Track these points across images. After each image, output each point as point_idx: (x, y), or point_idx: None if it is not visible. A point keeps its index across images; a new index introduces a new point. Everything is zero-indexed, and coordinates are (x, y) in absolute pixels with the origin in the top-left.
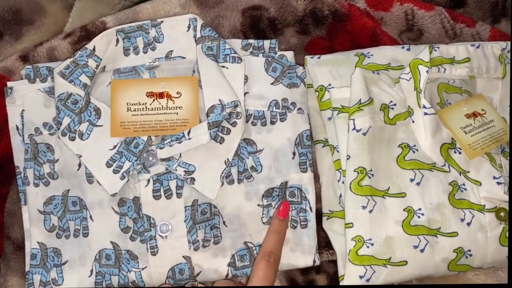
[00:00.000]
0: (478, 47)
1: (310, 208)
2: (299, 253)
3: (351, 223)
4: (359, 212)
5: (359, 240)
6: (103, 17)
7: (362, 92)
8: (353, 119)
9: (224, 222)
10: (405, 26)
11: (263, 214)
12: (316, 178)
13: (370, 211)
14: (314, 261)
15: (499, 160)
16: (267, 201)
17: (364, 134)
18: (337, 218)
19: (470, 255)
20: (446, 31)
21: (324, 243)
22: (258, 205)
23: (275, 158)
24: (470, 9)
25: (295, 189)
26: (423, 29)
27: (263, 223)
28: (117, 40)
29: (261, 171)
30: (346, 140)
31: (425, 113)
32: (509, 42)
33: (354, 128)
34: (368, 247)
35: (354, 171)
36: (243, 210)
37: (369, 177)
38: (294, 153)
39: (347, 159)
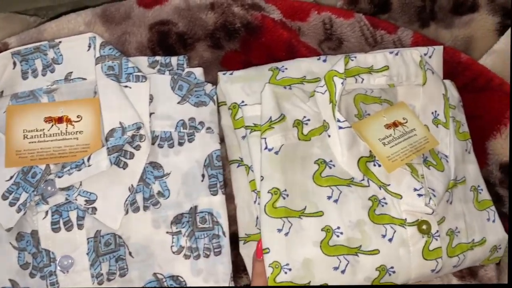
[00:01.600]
0: (397, 54)
1: (223, 233)
2: (212, 283)
3: (268, 248)
4: (274, 236)
5: (276, 266)
6: (6, 38)
7: (273, 109)
8: (265, 138)
9: (130, 253)
10: (323, 35)
11: (172, 242)
12: (232, 199)
13: (286, 234)
14: None
15: (421, 170)
16: (177, 228)
17: (276, 153)
18: (254, 242)
19: (394, 272)
20: (366, 39)
21: (243, 267)
22: (167, 232)
23: (184, 181)
24: (395, 15)
25: (205, 214)
26: (342, 37)
27: (173, 252)
28: (14, 63)
29: (168, 196)
30: (259, 159)
31: (340, 127)
32: (430, 47)
33: (266, 148)
34: (286, 272)
35: (268, 192)
36: (150, 239)
37: (284, 198)
38: (203, 175)
39: (261, 180)
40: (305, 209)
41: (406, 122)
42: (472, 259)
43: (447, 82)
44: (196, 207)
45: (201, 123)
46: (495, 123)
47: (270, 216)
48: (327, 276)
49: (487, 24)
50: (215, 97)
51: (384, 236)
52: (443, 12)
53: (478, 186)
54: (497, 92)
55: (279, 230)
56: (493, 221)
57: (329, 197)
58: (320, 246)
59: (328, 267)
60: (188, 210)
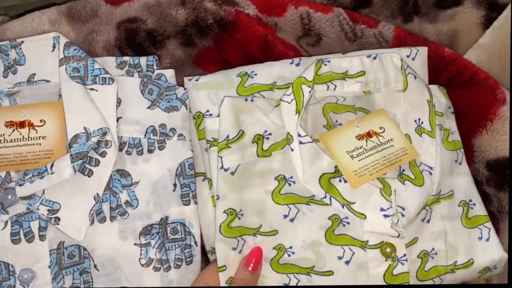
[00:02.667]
0: (375, 58)
1: (196, 243)
2: None
3: (224, 266)
4: (230, 254)
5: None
6: None
7: (231, 127)
8: (221, 157)
9: (95, 266)
10: (301, 31)
11: (141, 254)
12: None
13: (240, 251)
14: None
15: (395, 185)
16: (145, 240)
17: (232, 173)
18: None
19: None
20: (345, 34)
21: None
22: (135, 244)
23: (154, 190)
24: (377, 9)
25: (177, 225)
26: (321, 33)
27: (142, 265)
28: None
29: (137, 206)
30: (217, 177)
31: (301, 142)
32: (413, 49)
33: (222, 167)
34: None
35: (224, 212)
36: (117, 251)
37: (239, 218)
38: (175, 185)
39: (217, 199)
40: (260, 227)
41: (384, 131)
42: (454, 281)
43: (434, 87)
44: (167, 217)
45: (172, 129)
46: (481, 119)
47: (225, 236)
48: None
49: (472, 17)
50: (187, 101)
51: (340, 258)
52: (426, 6)
53: (470, 200)
54: (482, 87)
55: (234, 249)
56: (487, 239)
57: (285, 216)
58: (270, 264)
59: (279, 284)
60: (159, 221)
